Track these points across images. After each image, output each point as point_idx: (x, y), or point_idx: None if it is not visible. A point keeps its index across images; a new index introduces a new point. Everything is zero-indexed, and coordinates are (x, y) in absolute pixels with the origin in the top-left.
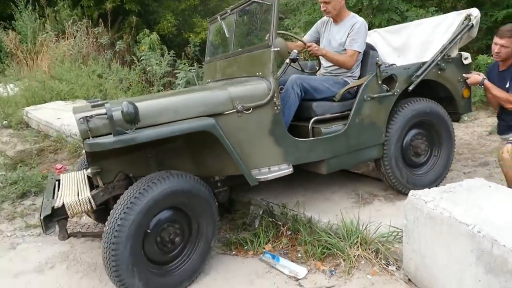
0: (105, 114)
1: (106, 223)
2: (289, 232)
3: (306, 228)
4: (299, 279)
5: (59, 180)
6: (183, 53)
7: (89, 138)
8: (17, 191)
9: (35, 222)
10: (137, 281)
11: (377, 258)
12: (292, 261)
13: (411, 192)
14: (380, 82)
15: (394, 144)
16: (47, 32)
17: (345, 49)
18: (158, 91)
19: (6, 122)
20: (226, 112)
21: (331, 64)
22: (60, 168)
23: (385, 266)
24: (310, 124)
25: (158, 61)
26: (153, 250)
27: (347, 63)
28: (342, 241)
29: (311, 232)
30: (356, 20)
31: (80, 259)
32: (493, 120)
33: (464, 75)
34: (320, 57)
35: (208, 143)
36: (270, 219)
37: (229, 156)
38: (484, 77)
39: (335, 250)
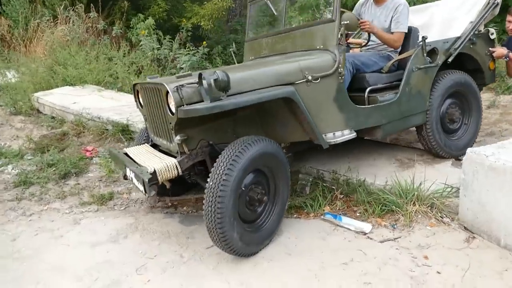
0: (195, 83)
1: (208, 180)
2: (341, 196)
3: (362, 190)
4: (367, 233)
5: (125, 153)
6: (176, 38)
7: (182, 105)
8: (58, 172)
9: (89, 199)
10: (235, 234)
11: (432, 212)
12: (353, 219)
13: (469, 149)
14: (425, 54)
15: (435, 110)
16: (40, 18)
17: (392, 32)
18: (171, 74)
19: (14, 108)
20: (297, 82)
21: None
22: (92, 150)
23: (440, 218)
24: (366, 94)
25: (157, 46)
26: (243, 210)
27: (395, 43)
28: (398, 199)
29: (366, 193)
30: (399, 2)
31: (150, 229)
32: (489, 96)
33: (490, 49)
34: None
35: (276, 112)
36: (324, 185)
37: (295, 123)
38: (509, 50)
39: (393, 207)
